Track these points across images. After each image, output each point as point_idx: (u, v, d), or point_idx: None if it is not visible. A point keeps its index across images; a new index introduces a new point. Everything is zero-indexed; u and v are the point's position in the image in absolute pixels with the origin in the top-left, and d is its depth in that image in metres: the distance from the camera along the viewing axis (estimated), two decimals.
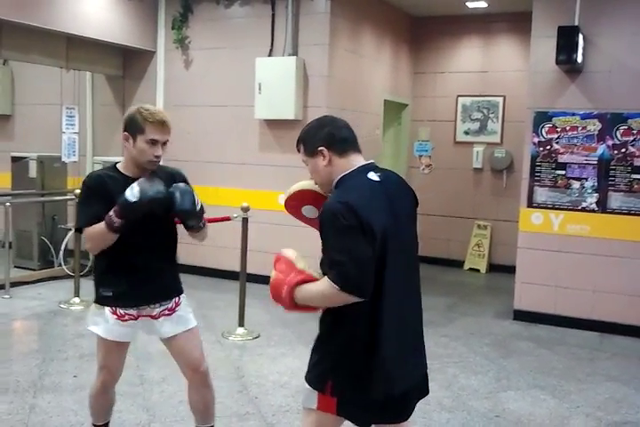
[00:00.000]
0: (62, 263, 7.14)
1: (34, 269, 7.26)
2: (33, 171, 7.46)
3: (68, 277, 6.82)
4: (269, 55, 6.92)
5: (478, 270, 8.39)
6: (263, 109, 6.84)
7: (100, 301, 2.86)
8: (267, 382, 4.37)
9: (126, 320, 2.85)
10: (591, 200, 5.73)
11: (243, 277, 5.36)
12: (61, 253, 7.16)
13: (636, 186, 5.59)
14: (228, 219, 5.42)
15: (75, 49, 7.04)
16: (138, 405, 3.91)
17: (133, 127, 2.71)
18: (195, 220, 2.81)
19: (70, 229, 7.02)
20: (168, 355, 3.05)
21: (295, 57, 6.69)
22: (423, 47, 8.76)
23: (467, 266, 8.51)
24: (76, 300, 6.11)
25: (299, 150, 2.36)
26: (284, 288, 2.19)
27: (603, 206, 5.68)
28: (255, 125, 7.06)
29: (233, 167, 7.19)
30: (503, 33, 8.34)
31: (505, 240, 8.02)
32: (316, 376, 2.26)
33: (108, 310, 2.84)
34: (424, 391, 2.39)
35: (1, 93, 8.51)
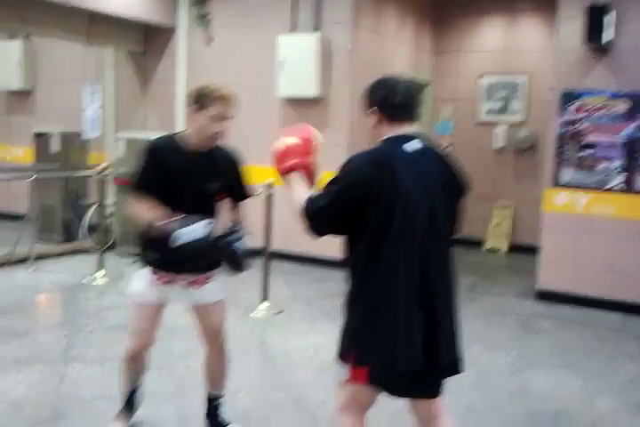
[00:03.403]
0: (85, 238, 7.19)
1: (57, 244, 7.34)
2: (55, 146, 7.50)
3: (90, 251, 6.87)
4: (291, 32, 6.86)
5: (498, 251, 8.37)
6: (285, 87, 6.80)
7: (146, 260, 2.96)
8: (291, 357, 4.40)
9: (164, 283, 2.95)
10: (618, 181, 5.67)
11: (266, 254, 5.37)
12: (84, 227, 7.21)
13: None
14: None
15: (96, 25, 7.04)
16: (164, 377, 3.95)
17: (197, 102, 2.76)
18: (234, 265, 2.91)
19: (92, 204, 7.06)
20: (193, 329, 3.08)
21: (318, 33, 6.64)
22: (445, 26, 8.67)
23: (487, 246, 8.48)
24: (99, 274, 6.16)
25: None
26: (291, 162, 2.42)
27: (629, 187, 5.62)
28: (277, 103, 7.02)
29: (256, 145, 7.13)
30: (527, 11, 8.21)
31: (527, 221, 7.97)
32: (340, 348, 2.29)
33: (148, 270, 2.94)
34: (455, 370, 2.37)
35: (23, 68, 8.50)
